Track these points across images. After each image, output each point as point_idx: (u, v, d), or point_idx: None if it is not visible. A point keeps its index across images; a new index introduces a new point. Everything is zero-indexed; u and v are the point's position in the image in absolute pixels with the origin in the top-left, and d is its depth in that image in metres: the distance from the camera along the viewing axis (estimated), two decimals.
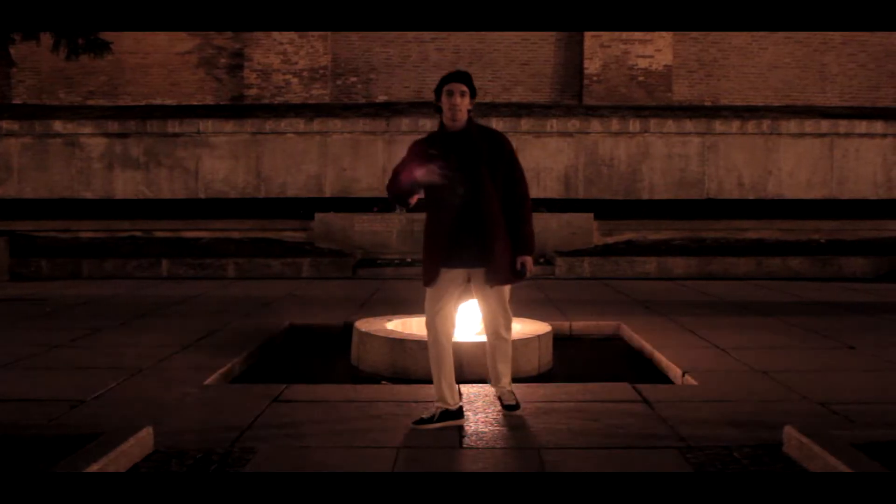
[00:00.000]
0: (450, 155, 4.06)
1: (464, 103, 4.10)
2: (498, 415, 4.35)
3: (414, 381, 5.31)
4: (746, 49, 15.82)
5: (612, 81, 15.32)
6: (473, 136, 4.15)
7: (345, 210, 13.45)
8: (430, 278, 4.13)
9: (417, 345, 5.70)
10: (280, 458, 3.64)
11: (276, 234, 13.25)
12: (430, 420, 4.13)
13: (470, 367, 5.36)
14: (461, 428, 4.10)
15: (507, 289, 4.28)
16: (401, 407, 4.49)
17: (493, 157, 4.12)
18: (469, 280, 4.20)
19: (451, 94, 4.08)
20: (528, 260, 4.19)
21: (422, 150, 4.15)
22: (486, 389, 4.71)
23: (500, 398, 4.42)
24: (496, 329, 4.31)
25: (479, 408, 4.51)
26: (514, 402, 4.36)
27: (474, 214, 4.05)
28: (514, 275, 4.19)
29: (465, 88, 4.09)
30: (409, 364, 5.63)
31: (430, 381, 5.21)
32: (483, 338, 4.58)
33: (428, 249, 4.16)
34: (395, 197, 4.26)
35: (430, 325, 4.22)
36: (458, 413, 4.21)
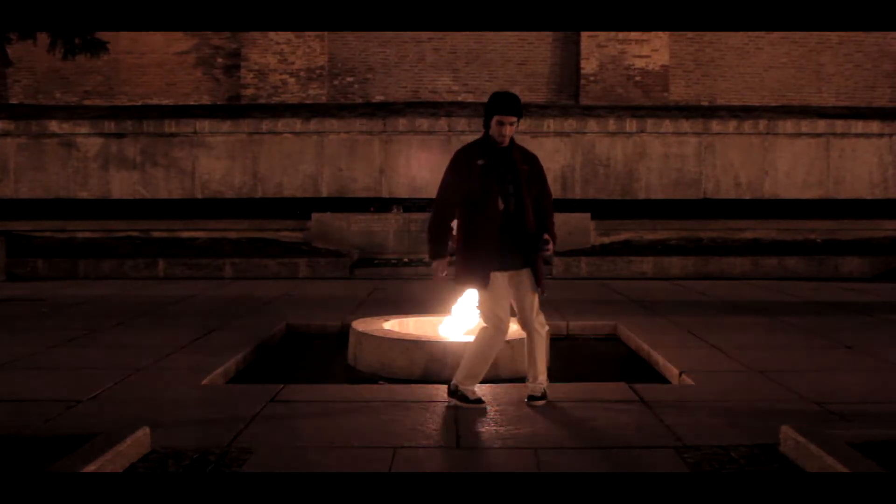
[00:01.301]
0: (502, 171, 4.44)
1: (512, 131, 4.47)
2: (495, 414, 4.36)
3: (411, 381, 5.32)
4: (743, 49, 15.84)
5: (608, 81, 15.33)
6: (517, 157, 4.53)
7: (342, 210, 13.45)
8: (483, 282, 4.44)
9: (415, 345, 5.70)
10: (277, 457, 3.64)
11: (272, 234, 13.24)
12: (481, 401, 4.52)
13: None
14: (458, 428, 4.11)
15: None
16: (398, 407, 4.49)
17: (531, 177, 4.55)
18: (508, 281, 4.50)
19: (501, 124, 4.43)
20: (551, 241, 4.57)
21: (469, 163, 4.44)
22: (483, 389, 4.71)
23: (530, 394, 4.58)
24: (532, 324, 4.55)
25: (475, 408, 4.49)
26: (540, 395, 4.55)
27: (518, 224, 4.45)
28: (542, 261, 4.58)
29: (514, 119, 4.45)
30: (407, 364, 5.62)
31: (427, 381, 5.25)
32: (471, 338, 4.77)
33: (475, 255, 4.44)
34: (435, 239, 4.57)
35: (492, 320, 4.46)
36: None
